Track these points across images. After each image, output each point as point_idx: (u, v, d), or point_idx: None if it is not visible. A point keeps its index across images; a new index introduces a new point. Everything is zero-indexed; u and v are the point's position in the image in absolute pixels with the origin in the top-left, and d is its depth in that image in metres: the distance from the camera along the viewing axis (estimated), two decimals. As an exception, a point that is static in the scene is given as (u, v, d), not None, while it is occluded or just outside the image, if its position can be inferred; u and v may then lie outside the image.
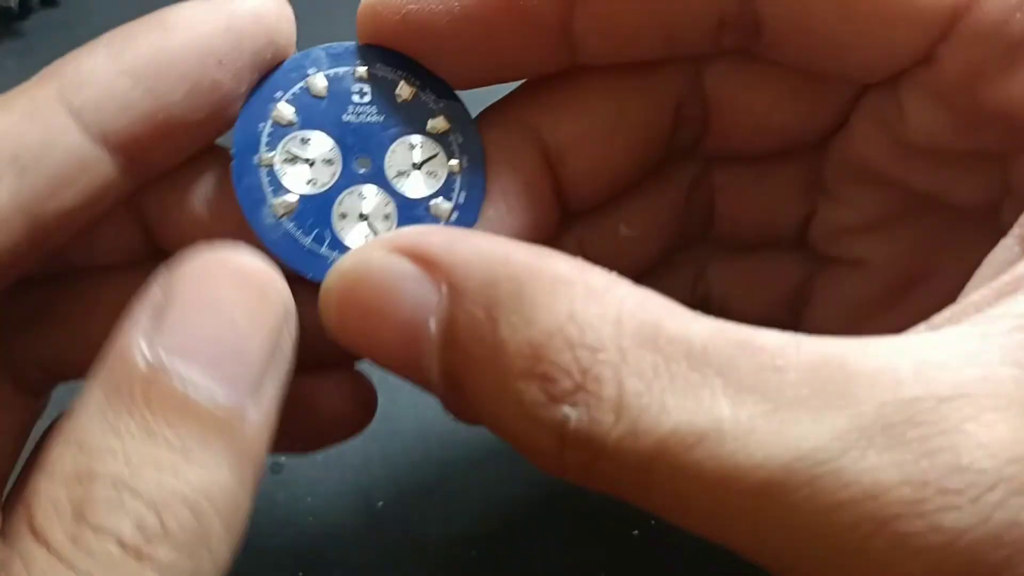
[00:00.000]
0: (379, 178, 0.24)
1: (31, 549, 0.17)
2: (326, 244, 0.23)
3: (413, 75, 0.24)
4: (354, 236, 0.23)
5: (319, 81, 0.24)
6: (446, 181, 0.24)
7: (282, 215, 0.23)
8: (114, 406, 0.18)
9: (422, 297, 0.19)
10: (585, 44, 0.24)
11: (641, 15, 0.23)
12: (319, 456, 0.28)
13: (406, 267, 0.20)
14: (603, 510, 0.31)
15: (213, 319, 0.19)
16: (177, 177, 0.25)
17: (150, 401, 0.18)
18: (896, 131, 0.25)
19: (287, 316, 0.20)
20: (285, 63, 0.24)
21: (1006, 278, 0.18)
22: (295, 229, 0.23)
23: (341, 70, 0.24)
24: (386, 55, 0.24)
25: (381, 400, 0.36)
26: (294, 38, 0.24)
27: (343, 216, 0.23)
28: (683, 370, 0.17)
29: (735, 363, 0.17)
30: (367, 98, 0.24)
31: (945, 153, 0.25)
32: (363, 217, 0.24)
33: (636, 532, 0.32)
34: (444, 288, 0.19)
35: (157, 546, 0.17)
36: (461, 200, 0.24)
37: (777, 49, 0.24)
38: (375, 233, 0.24)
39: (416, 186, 0.24)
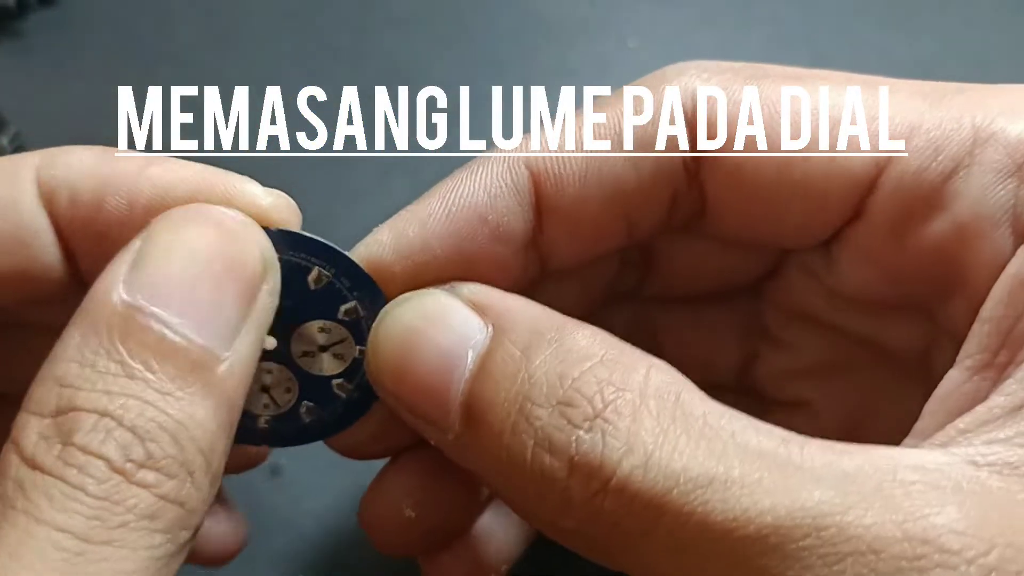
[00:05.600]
0: (284, 356, 0.24)
1: (25, 475, 0.18)
2: None
3: (328, 261, 0.23)
4: (256, 404, 0.24)
5: None
6: (351, 364, 0.24)
7: None
8: (91, 345, 0.19)
9: (467, 331, 0.21)
10: (554, 252, 0.25)
11: (606, 213, 0.24)
12: (319, 459, 0.28)
13: (458, 304, 0.22)
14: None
15: (189, 264, 0.20)
16: None
17: (126, 340, 0.19)
18: (826, 282, 0.26)
19: (266, 270, 0.22)
20: None
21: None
22: None
23: None
24: (299, 240, 0.23)
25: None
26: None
27: None
28: (699, 425, 0.19)
29: (747, 431, 0.19)
30: None
31: (876, 302, 0.26)
32: (264, 389, 0.24)
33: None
34: (490, 328, 0.21)
35: (145, 472, 0.18)
36: (364, 382, 0.24)
37: (718, 225, 0.25)
38: (275, 403, 0.24)
39: (321, 366, 0.24)
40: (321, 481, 0.34)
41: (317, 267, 0.23)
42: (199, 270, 0.20)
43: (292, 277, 0.23)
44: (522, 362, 0.20)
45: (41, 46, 0.48)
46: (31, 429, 0.18)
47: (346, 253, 0.24)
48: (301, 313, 0.24)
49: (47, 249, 0.23)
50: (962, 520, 0.17)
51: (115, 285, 0.20)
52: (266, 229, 0.23)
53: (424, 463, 0.26)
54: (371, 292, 0.24)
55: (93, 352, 0.19)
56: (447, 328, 0.21)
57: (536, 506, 0.20)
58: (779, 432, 0.19)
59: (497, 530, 0.28)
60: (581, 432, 0.19)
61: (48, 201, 0.22)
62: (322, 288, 0.24)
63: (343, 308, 0.24)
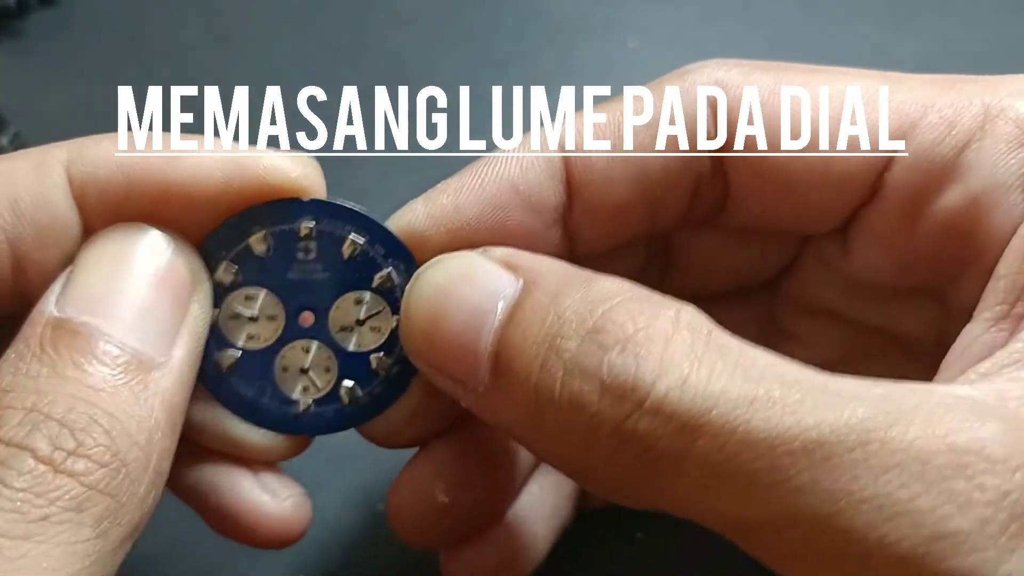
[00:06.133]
0: (322, 333, 0.24)
1: None
2: (267, 396, 0.24)
3: (361, 229, 0.24)
4: (295, 388, 0.24)
5: (260, 243, 0.24)
6: (389, 336, 0.24)
7: (226, 369, 0.24)
8: (24, 357, 0.19)
9: (497, 286, 0.21)
10: (582, 233, 0.25)
11: (631, 194, 0.24)
12: (321, 457, 0.28)
13: (489, 264, 0.22)
14: (608, 512, 0.31)
15: (115, 277, 0.21)
16: None
17: (57, 346, 0.19)
18: (841, 270, 0.26)
19: (194, 281, 0.22)
20: (229, 220, 0.23)
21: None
22: (238, 382, 0.24)
23: (286, 227, 0.24)
24: (332, 209, 0.24)
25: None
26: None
27: (284, 369, 0.24)
28: (735, 355, 0.19)
29: (780, 363, 0.19)
30: (312, 255, 0.24)
31: (888, 289, 0.26)
32: (304, 371, 0.24)
33: (640, 535, 0.32)
34: (521, 281, 0.21)
35: (74, 461, 0.18)
36: (403, 355, 0.24)
37: (740, 212, 0.26)
38: (315, 386, 0.24)
39: (359, 340, 0.24)
40: (324, 479, 0.34)
41: (351, 235, 0.24)
42: (125, 282, 0.21)
43: (326, 247, 0.24)
44: (551, 307, 0.20)
45: (41, 46, 0.48)
46: None
47: (380, 221, 0.24)
48: (336, 285, 0.24)
49: (78, 245, 0.22)
50: (1004, 434, 0.17)
51: (48, 305, 0.20)
52: (299, 200, 0.23)
53: (458, 446, 0.26)
54: (405, 259, 0.24)
55: (26, 362, 0.19)
56: (477, 285, 0.21)
57: (563, 443, 0.20)
58: (809, 367, 0.19)
59: (522, 530, 0.28)
60: (612, 354, 0.19)
61: (79, 196, 0.22)
62: (356, 257, 0.24)
63: (378, 277, 0.24)
